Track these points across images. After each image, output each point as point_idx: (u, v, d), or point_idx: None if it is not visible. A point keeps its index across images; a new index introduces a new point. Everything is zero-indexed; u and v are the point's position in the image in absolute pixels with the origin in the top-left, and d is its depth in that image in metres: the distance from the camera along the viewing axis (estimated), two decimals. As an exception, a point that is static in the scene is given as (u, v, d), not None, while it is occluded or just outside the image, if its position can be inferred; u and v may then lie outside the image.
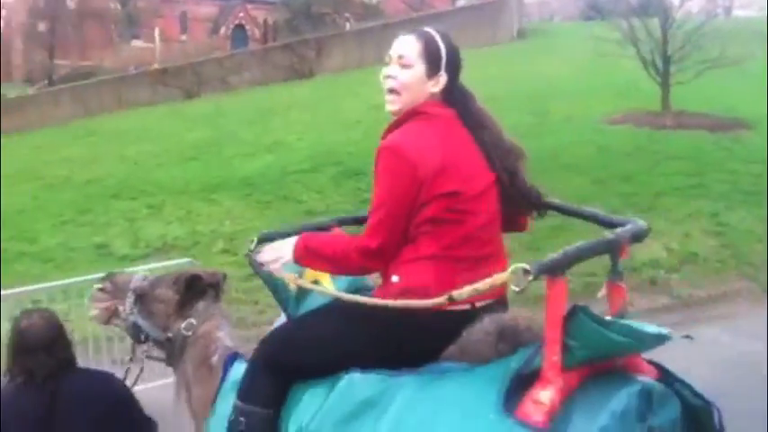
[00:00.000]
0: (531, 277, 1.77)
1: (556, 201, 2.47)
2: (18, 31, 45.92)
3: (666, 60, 14.60)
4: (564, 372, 1.80)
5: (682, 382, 1.93)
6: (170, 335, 2.91)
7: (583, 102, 16.14)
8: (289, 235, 2.54)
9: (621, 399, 1.79)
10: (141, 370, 3.13)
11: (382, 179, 2.23)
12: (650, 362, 2.00)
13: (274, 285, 2.71)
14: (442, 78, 2.33)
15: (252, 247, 2.66)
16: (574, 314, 1.80)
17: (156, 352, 3.09)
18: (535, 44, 27.60)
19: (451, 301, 1.90)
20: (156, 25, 43.91)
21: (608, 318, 1.88)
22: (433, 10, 36.18)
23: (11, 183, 14.76)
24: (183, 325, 2.88)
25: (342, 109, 18.88)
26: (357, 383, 2.09)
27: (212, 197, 11.65)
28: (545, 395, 1.79)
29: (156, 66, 31.20)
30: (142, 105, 25.06)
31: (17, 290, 6.28)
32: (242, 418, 2.28)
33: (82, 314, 4.29)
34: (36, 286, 6.42)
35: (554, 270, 1.81)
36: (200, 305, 2.91)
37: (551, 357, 1.80)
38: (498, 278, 1.85)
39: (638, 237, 2.19)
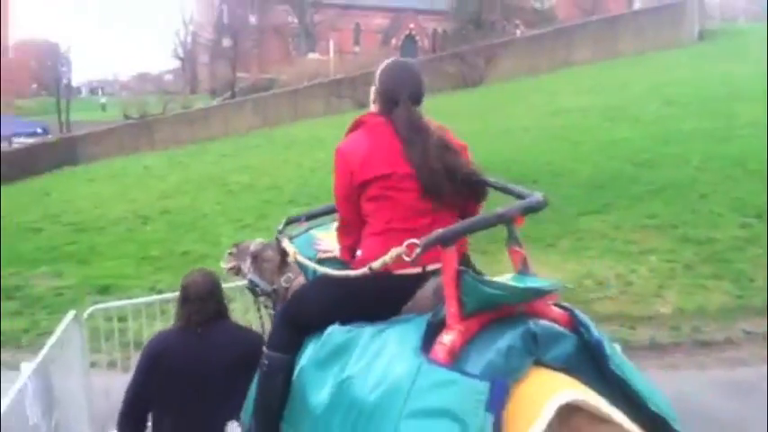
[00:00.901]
0: (419, 249, 2.33)
1: (491, 179, 2.83)
2: (204, 47, 49.01)
3: None
4: (463, 320, 2.27)
5: (584, 324, 2.34)
6: (275, 287, 3.59)
7: (772, 106, 15.07)
8: (315, 216, 3.59)
9: (507, 338, 2.19)
10: (261, 318, 3.87)
11: (334, 179, 2.80)
12: (562, 306, 2.43)
13: (300, 265, 3.28)
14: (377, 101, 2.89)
15: (281, 227, 3.46)
16: (461, 276, 2.30)
17: (269, 302, 3.76)
18: (719, 46, 26.10)
19: (372, 270, 2.47)
20: (330, 38, 45.42)
21: (489, 278, 2.35)
22: (608, 14, 35.05)
23: (197, 188, 15.74)
24: (282, 279, 3.54)
25: (511, 116, 18.69)
26: (333, 334, 2.60)
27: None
28: (447, 338, 2.26)
29: (330, 77, 32.20)
30: (317, 116, 25.96)
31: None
32: (266, 362, 2.83)
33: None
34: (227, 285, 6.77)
35: (441, 243, 2.34)
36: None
37: (450, 309, 2.29)
38: (395, 251, 2.39)
39: (531, 209, 2.56)
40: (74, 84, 58.23)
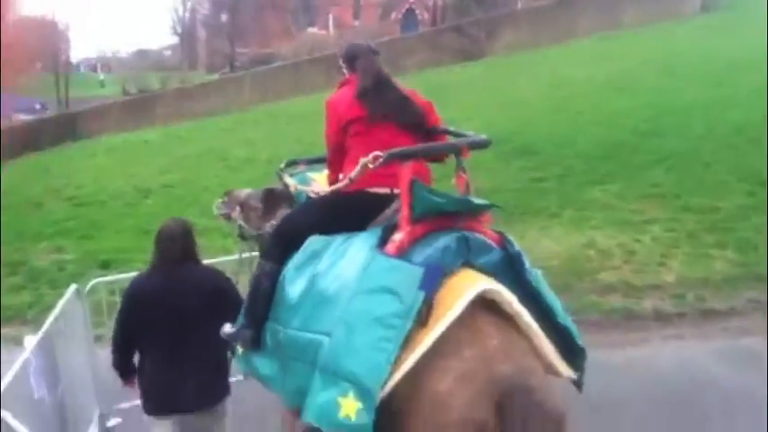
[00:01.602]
0: (381, 159, 2.92)
1: (443, 127, 3.53)
2: (202, 22, 48.68)
3: None
4: (411, 224, 2.86)
5: (510, 242, 2.98)
6: (260, 232, 4.13)
7: (774, 74, 14.95)
8: (311, 162, 4.34)
9: (444, 240, 2.79)
10: (240, 256, 4.73)
11: (325, 125, 3.46)
12: (497, 232, 3.02)
13: (298, 196, 3.91)
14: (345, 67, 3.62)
15: (282, 166, 4.21)
16: (413, 185, 2.85)
17: (256, 247, 4.25)
18: (721, 17, 25.86)
19: (351, 180, 3.05)
20: (330, 12, 45.10)
21: (439, 191, 2.89)
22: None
23: (198, 163, 15.68)
24: (267, 225, 4.04)
25: (512, 89, 18.57)
26: (311, 243, 3.16)
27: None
28: (398, 236, 2.85)
29: (329, 51, 32.02)
30: (318, 90, 25.82)
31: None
32: (258, 268, 3.35)
33: None
34: (218, 259, 6.75)
35: (401, 157, 2.95)
36: (279, 211, 4.03)
37: (404, 213, 2.88)
38: (362, 162, 2.96)
39: (475, 145, 3.26)
40: (72, 61, 57.95)
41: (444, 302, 2.60)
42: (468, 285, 2.65)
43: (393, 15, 46.99)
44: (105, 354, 5.93)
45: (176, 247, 3.91)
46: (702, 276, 7.58)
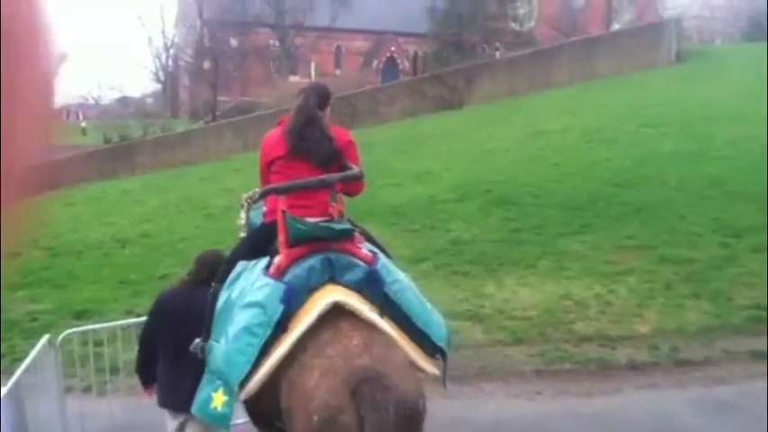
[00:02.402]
0: (257, 196, 3.56)
1: (350, 166, 3.78)
2: (185, 70, 48.99)
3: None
4: (288, 248, 3.38)
5: (378, 258, 3.47)
6: None
7: (747, 126, 15.24)
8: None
9: (311, 261, 3.34)
10: None
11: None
12: (372, 251, 3.53)
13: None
14: None
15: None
16: (285, 216, 3.37)
17: None
18: (696, 67, 26.41)
19: (245, 213, 3.62)
20: (312, 61, 45.58)
21: (307, 219, 3.44)
22: (586, 35, 35.42)
23: (176, 212, 15.65)
24: None
25: (491, 138, 18.78)
26: (238, 266, 3.70)
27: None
28: (277, 259, 3.41)
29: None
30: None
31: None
32: (212, 291, 3.81)
33: None
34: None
35: (275, 192, 3.56)
36: None
37: (281, 239, 3.41)
38: (244, 195, 3.57)
39: (348, 178, 3.68)
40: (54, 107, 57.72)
41: (306, 312, 3.19)
42: (324, 298, 3.20)
43: (374, 64, 47.62)
44: (76, 405, 5.87)
45: (205, 270, 4.38)
46: (677, 327, 7.63)
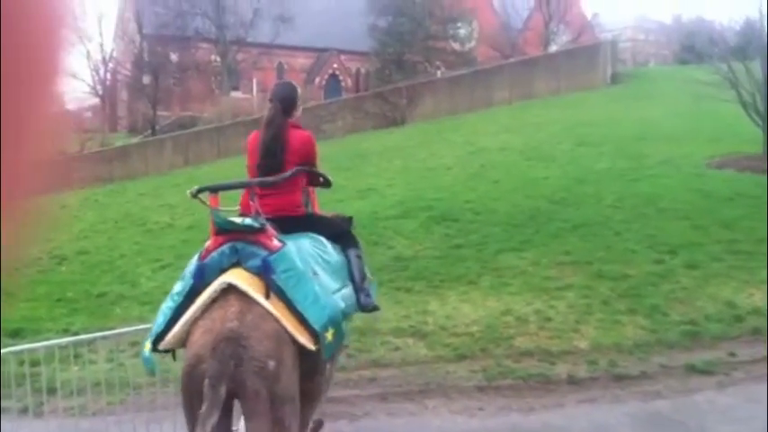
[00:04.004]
0: (195, 191, 4.13)
1: (302, 167, 4.60)
2: (124, 84, 48.22)
3: (769, 103, 14.12)
4: (215, 235, 3.98)
5: (276, 250, 3.97)
6: None
7: (680, 146, 15.76)
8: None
9: (224, 248, 3.92)
10: None
11: None
12: (282, 242, 4.05)
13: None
14: None
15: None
16: (213, 210, 4.01)
17: None
18: (630, 88, 27.17)
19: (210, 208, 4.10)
20: (254, 77, 45.36)
21: (226, 214, 4.10)
22: (525, 56, 36.10)
23: (115, 228, 15.39)
24: None
25: (433, 156, 18.97)
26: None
27: (305, 243, 11.80)
28: (205, 244, 4.03)
29: (252, 116, 32.12)
30: (240, 154, 25.81)
31: (116, 331, 6.47)
32: None
33: (177, 354, 4.56)
34: (134, 327, 6.61)
35: (209, 190, 4.12)
36: None
37: (211, 229, 4.06)
38: (188, 191, 4.21)
39: (264, 184, 4.42)
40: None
41: (211, 287, 3.80)
42: (223, 278, 3.82)
43: (317, 81, 47.67)
44: (11, 426, 5.72)
45: None
46: (615, 342, 7.80)
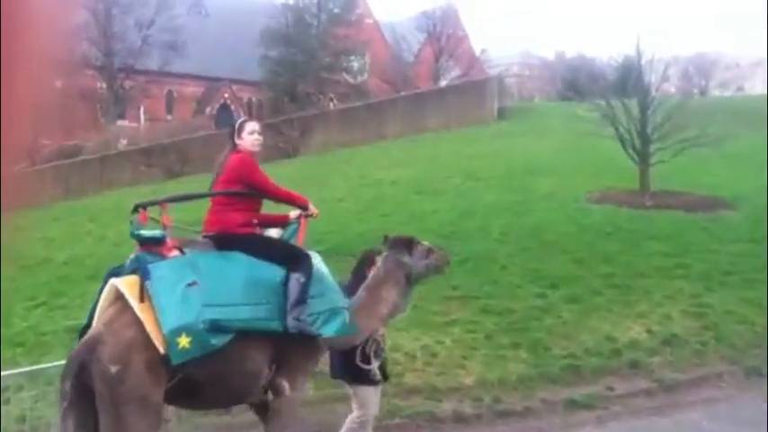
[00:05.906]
0: (134, 207, 4.68)
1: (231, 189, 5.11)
2: (3, 110, 46.10)
3: (645, 140, 14.78)
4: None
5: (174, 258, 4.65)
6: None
7: (563, 180, 16.27)
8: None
9: (131, 257, 4.56)
10: None
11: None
12: (182, 250, 4.66)
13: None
14: None
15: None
16: (132, 225, 4.67)
17: None
18: (516, 123, 28.00)
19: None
20: (141, 105, 44.26)
21: (138, 230, 4.62)
22: (415, 90, 36.71)
23: (-13, 264, 14.54)
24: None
25: (325, 187, 18.91)
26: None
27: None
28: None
29: (139, 145, 31.32)
30: (125, 185, 25.04)
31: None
32: None
33: (50, 401, 4.46)
34: (6, 372, 6.26)
35: (158, 203, 4.79)
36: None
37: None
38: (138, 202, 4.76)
39: (187, 198, 5.66)
40: None
41: (105, 289, 4.47)
42: (112, 280, 4.43)
43: (207, 110, 46.92)
44: None
45: None
46: (499, 377, 7.89)
